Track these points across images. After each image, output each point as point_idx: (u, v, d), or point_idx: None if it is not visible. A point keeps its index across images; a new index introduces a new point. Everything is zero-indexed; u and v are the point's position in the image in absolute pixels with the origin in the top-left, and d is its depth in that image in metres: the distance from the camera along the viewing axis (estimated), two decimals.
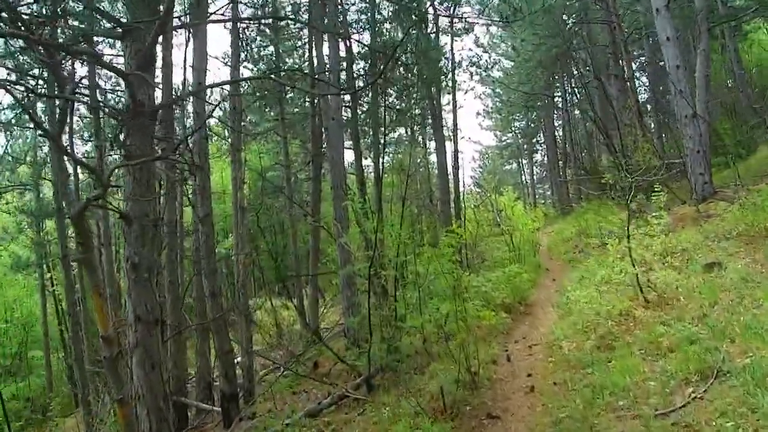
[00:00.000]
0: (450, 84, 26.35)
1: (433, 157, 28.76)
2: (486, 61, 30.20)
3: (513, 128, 49.48)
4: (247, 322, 15.79)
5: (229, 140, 18.76)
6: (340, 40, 17.97)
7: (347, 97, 24.86)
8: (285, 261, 30.28)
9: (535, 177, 55.17)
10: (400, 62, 21.44)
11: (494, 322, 10.38)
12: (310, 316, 20.57)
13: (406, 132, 37.44)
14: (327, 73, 16.38)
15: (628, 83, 21.41)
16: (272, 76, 17.87)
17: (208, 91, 17.24)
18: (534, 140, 50.17)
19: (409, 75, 26.24)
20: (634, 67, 28.75)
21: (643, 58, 33.28)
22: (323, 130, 17.33)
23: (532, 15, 25.14)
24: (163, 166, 12.54)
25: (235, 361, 13.97)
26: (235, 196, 18.01)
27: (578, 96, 34.59)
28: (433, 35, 25.71)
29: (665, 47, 15.33)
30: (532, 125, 47.86)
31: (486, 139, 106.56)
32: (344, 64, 19.68)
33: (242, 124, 22.96)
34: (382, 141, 27.78)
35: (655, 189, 11.32)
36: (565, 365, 8.72)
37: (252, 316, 17.66)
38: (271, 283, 30.74)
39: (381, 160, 24.51)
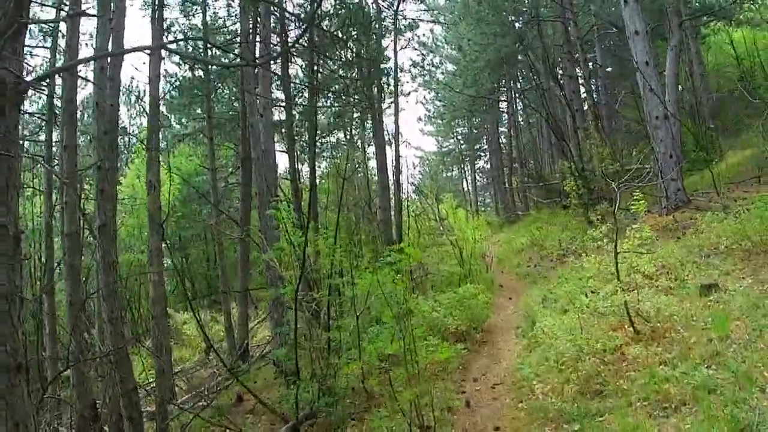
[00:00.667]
0: (392, 85, 24.52)
1: (373, 163, 26.89)
2: (430, 62, 28.68)
3: (455, 134, 48.07)
4: (161, 351, 13.60)
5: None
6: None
7: (281, 95, 23.07)
8: (214, 272, 28.16)
9: (477, 184, 53.84)
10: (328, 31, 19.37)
11: (448, 356, 8.53)
12: (239, 334, 18.81)
13: (345, 136, 35.75)
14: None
15: (585, 83, 19.93)
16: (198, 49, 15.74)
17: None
18: (476, 146, 48.81)
19: (349, 74, 24.54)
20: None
21: (591, 63, 32.18)
22: (250, 128, 15.18)
23: (479, 11, 23.72)
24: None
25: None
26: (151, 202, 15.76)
27: (526, 99, 33.16)
28: (374, 36, 23.98)
29: (634, 41, 13.83)
30: (476, 131, 46.52)
31: (427, 144, 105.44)
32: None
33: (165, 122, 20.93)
34: (318, 144, 26.00)
35: (635, 196, 9.67)
36: (541, 416, 6.97)
37: (167, 343, 15.43)
38: (201, 295, 28.61)
39: (315, 164, 22.76)
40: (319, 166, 39.07)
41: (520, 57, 31.37)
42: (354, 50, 23.44)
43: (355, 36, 21.00)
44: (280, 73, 21.71)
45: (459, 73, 32.85)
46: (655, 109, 13.41)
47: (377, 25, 23.89)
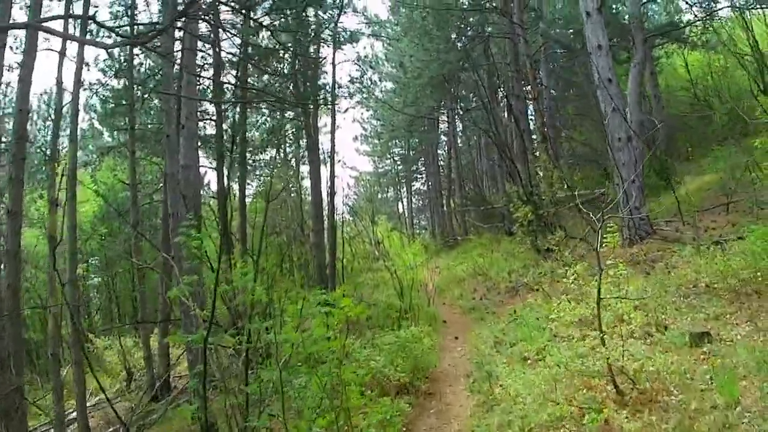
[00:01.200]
0: (329, 101, 23.05)
1: (308, 182, 25.22)
2: (369, 79, 27.35)
3: (392, 154, 46.73)
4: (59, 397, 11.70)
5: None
6: None
7: (212, 109, 21.35)
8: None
9: (413, 206, 52.61)
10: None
11: (390, 416, 7.01)
12: (160, 364, 17.52)
13: (279, 153, 34.10)
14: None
15: (534, 103, 18.79)
16: None
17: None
18: (413, 168, 47.57)
19: (285, 87, 23.01)
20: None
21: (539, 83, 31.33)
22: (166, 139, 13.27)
23: (424, 26, 22.51)
24: None
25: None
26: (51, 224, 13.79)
27: (468, 120, 32.02)
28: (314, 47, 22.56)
29: (597, 57, 12.70)
30: (414, 152, 45.33)
31: (363, 164, 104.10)
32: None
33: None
34: (250, 161, 24.38)
35: (609, 226, 8.34)
36: None
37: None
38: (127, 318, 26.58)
39: (245, 182, 21.13)
40: (250, 184, 37.48)
41: (463, 76, 30.37)
42: (289, 61, 22.03)
43: (291, 46, 19.54)
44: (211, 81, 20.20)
45: (399, 91, 31.63)
46: (618, 129, 12.27)
47: (316, 37, 22.48)
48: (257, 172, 35.63)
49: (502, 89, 29.24)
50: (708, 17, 18.50)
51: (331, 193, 22.17)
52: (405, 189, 51.21)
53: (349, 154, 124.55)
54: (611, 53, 13.10)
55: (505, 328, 10.70)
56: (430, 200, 43.18)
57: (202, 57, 20.27)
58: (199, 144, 21.17)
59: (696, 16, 19.26)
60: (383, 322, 13.49)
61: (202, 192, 20.60)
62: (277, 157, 33.59)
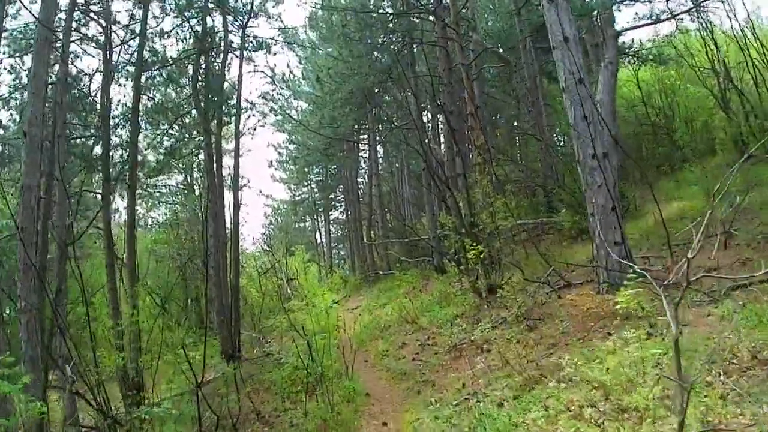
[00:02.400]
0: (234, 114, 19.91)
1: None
2: (281, 96, 24.41)
3: (309, 181, 43.61)
4: None
5: None
6: None
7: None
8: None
9: (331, 236, 49.36)
10: None
11: None
12: None
13: (186, 178, 30.70)
14: None
15: (471, 119, 16.06)
16: None
17: None
18: (332, 195, 44.51)
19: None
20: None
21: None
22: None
23: (345, 32, 19.76)
24: None
25: None
26: None
27: (396, 138, 29.18)
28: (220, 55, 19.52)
29: (561, 52, 10.00)
30: (332, 180, 42.40)
31: (278, 192, 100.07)
32: None
33: None
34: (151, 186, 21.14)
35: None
36: None
37: None
38: None
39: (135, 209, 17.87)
40: (149, 214, 33.69)
41: (386, 96, 27.78)
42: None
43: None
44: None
45: (315, 111, 28.75)
46: (590, 144, 9.53)
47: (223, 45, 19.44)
48: (163, 199, 32.23)
49: (427, 109, 26.73)
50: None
51: (235, 223, 18.99)
52: (323, 218, 48.06)
53: (265, 182, 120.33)
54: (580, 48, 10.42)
55: (454, 415, 7.61)
56: (349, 231, 40.13)
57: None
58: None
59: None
60: (289, 389, 10.46)
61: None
62: (184, 182, 30.30)
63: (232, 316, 17.92)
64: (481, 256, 12.54)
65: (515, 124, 32.12)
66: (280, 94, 24.16)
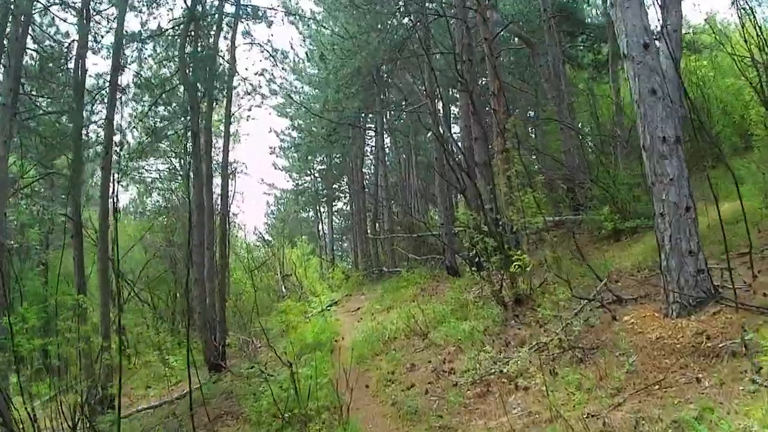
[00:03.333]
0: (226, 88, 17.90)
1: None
2: (284, 78, 22.45)
3: (312, 170, 41.42)
4: None
5: None
6: None
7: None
8: None
9: (334, 228, 47.20)
10: None
11: None
12: None
13: (181, 163, 28.60)
14: None
15: (494, 100, 13.85)
16: None
17: None
18: (335, 185, 42.30)
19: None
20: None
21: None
22: None
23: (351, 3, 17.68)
24: None
25: None
26: None
27: (410, 120, 27.10)
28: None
29: (622, 8, 7.77)
30: (335, 170, 40.30)
31: (281, 181, 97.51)
32: None
33: None
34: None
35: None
36: None
37: None
38: None
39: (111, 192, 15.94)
40: (145, 199, 31.64)
41: (393, 78, 25.69)
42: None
43: None
44: None
45: (319, 94, 26.69)
46: (662, 124, 7.39)
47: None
48: (156, 186, 30.24)
49: (438, 93, 24.74)
50: None
51: (224, 214, 16.90)
52: (326, 209, 45.89)
53: (267, 170, 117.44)
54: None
55: None
56: (353, 223, 37.97)
57: None
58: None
59: None
60: (267, 426, 8.45)
61: None
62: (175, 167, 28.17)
63: (217, 320, 15.92)
64: (518, 262, 10.38)
65: (530, 114, 30.07)
66: (283, 78, 22.22)
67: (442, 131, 14.51)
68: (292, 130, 36.38)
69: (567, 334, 7.76)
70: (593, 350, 7.39)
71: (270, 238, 35.72)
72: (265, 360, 14.50)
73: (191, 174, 18.72)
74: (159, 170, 28.90)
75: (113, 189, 17.63)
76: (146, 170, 28.92)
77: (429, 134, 30.83)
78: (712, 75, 18.02)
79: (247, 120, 35.86)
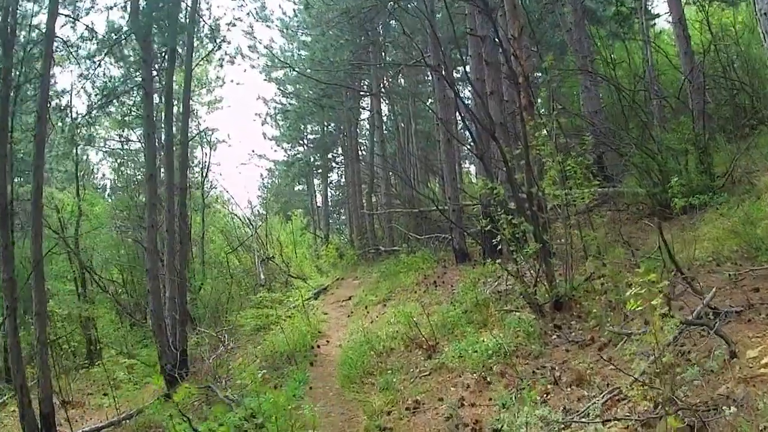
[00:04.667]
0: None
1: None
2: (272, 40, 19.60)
3: (304, 139, 38.42)
4: None
5: None
6: None
7: None
8: None
9: (330, 201, 44.22)
10: None
11: None
12: None
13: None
14: None
15: (515, 43, 10.87)
16: None
17: None
18: (329, 155, 39.28)
19: None
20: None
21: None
22: None
23: None
24: None
25: None
26: None
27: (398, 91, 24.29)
28: None
29: None
30: (328, 140, 37.25)
31: (273, 152, 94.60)
32: None
33: None
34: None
35: None
36: None
37: None
38: None
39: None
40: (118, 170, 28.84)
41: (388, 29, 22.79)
42: None
43: None
44: None
45: (309, 54, 23.80)
46: None
47: None
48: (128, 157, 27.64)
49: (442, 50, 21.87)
50: None
51: (183, 188, 14.06)
52: (320, 181, 42.99)
53: (258, 141, 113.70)
54: None
55: None
56: (347, 196, 35.08)
57: None
58: None
59: None
60: None
61: None
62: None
63: (177, 318, 13.14)
64: (541, 249, 7.62)
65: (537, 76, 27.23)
66: (271, 40, 19.20)
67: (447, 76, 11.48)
68: (282, 96, 33.44)
69: (662, 381, 4.68)
70: (711, 412, 4.35)
71: (264, 212, 33.20)
72: (233, 365, 11.86)
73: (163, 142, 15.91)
74: (130, 140, 26.16)
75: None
76: (114, 140, 26.27)
77: (429, 101, 28.07)
78: (748, 33, 15.49)
79: (222, 85, 32.36)
